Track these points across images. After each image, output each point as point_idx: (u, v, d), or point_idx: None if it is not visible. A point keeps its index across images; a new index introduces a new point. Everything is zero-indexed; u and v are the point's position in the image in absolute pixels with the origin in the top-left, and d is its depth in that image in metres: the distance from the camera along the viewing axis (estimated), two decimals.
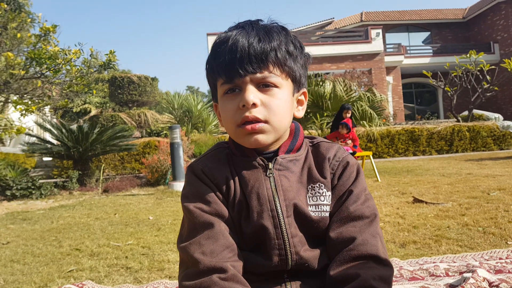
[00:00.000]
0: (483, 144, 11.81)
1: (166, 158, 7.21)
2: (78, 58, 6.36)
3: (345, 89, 8.95)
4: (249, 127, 0.87)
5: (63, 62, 6.30)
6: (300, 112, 0.98)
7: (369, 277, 0.79)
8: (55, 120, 10.66)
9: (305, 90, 0.98)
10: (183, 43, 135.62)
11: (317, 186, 0.93)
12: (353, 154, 6.38)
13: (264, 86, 0.87)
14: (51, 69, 6.37)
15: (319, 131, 8.99)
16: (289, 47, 0.89)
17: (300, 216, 0.90)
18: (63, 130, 7.32)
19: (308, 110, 8.80)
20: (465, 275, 1.73)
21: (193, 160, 7.57)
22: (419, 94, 25.12)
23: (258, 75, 0.86)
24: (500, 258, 2.03)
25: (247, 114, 0.86)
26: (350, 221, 0.89)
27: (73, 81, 6.61)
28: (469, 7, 25.54)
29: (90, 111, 18.93)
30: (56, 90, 7.08)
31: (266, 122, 0.87)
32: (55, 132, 7.35)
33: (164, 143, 8.02)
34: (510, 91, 21.40)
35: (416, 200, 3.85)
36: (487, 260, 2.01)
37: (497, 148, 11.89)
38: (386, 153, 11.48)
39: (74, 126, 7.64)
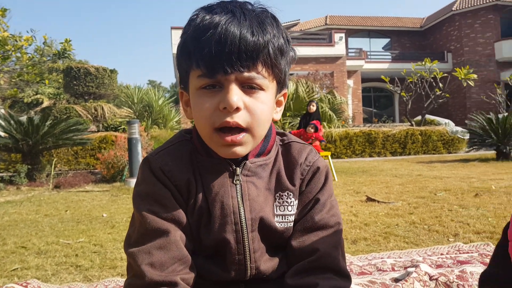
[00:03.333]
0: (433, 147, 12.42)
1: (123, 154, 7.00)
2: (30, 45, 6.04)
3: (307, 90, 9.12)
4: (229, 138, 0.77)
5: (13, 48, 5.97)
6: (278, 115, 0.88)
7: (326, 287, 0.78)
8: (2, 110, 10.07)
9: (286, 91, 0.88)
10: (146, 35, 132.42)
11: (285, 195, 0.87)
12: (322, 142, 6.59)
13: (249, 87, 0.77)
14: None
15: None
16: (280, 42, 0.78)
17: (265, 229, 0.84)
18: (11, 122, 6.92)
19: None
20: (409, 269, 1.82)
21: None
22: (377, 98, 26.02)
23: (246, 74, 0.75)
24: (441, 254, 2.15)
25: (228, 119, 0.75)
26: (314, 231, 0.85)
27: (24, 69, 6.28)
28: (426, 17, 26.75)
29: (42, 102, 18.04)
30: (4, 79, 6.69)
31: (247, 130, 0.78)
32: (2, 123, 6.94)
33: (121, 138, 7.76)
34: (460, 99, 22.61)
35: (369, 199, 3.99)
36: (430, 256, 2.12)
37: (446, 152, 12.53)
38: (344, 153, 11.80)
39: (24, 118, 7.25)
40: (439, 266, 1.94)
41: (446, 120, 15.01)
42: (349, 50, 22.49)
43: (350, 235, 2.63)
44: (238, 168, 0.83)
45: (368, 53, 23.98)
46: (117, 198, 4.94)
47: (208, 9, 0.77)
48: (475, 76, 13.73)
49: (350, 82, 21.71)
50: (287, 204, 0.86)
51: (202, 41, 0.74)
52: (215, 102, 0.76)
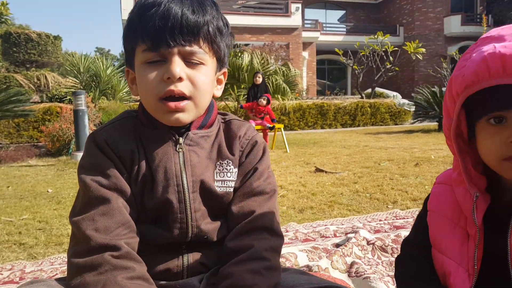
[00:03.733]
0: (381, 119, 12.95)
1: (69, 126, 6.68)
2: None
3: (262, 62, 9.08)
4: (172, 104, 0.83)
5: None
6: (219, 91, 0.97)
7: (261, 248, 0.86)
8: None
9: (225, 70, 0.97)
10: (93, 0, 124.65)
11: (225, 163, 0.94)
12: (271, 128, 6.63)
13: (191, 61, 0.84)
14: None
15: (235, 103, 9.06)
16: (219, 23, 0.87)
17: (206, 191, 0.91)
18: None
19: (225, 81, 8.80)
20: (349, 235, 1.95)
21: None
22: (331, 70, 26.47)
23: (188, 48, 0.82)
24: (380, 220, 2.31)
25: (172, 87, 0.82)
26: (252, 196, 0.93)
27: None
28: None
29: None
30: None
31: (190, 98, 0.85)
32: None
33: (67, 110, 7.39)
34: (408, 72, 23.53)
35: (317, 170, 4.14)
36: (370, 222, 2.27)
37: (393, 123, 13.13)
38: (297, 125, 12.04)
39: None
40: (377, 232, 2.08)
41: (394, 93, 15.64)
42: (305, 22, 22.51)
43: (297, 205, 2.74)
44: (181, 138, 0.91)
45: (324, 25, 24.13)
46: (63, 173, 4.77)
47: None
48: (423, 50, 14.28)
49: (305, 54, 21.87)
50: (227, 171, 0.94)
51: (146, 17, 0.81)
52: (159, 74, 0.83)
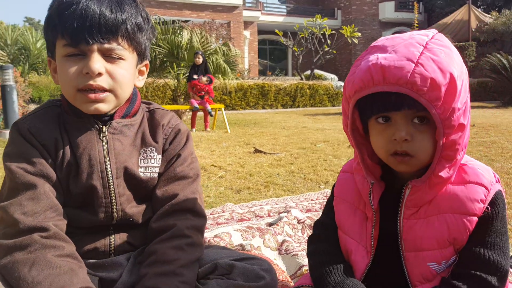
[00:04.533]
0: (320, 100, 13.39)
1: None
2: None
3: (202, 40, 8.89)
4: (92, 96, 0.86)
5: None
6: (141, 82, 1.01)
7: (183, 226, 0.93)
8: None
9: (147, 62, 1.01)
10: None
11: (149, 150, 0.99)
12: (211, 114, 6.63)
13: (110, 57, 0.87)
14: None
15: (175, 81, 8.87)
16: (138, 20, 0.90)
17: (130, 177, 0.96)
18: None
19: (165, 59, 8.54)
20: (282, 215, 2.04)
21: (28, 108, 6.67)
22: (272, 51, 26.67)
23: (106, 45, 0.85)
24: (312, 200, 2.44)
25: (91, 82, 0.85)
26: (176, 180, 1.00)
27: None
28: None
29: None
30: None
31: (110, 91, 0.89)
32: None
33: None
34: (346, 55, 24.39)
35: (256, 151, 4.24)
36: (302, 202, 2.40)
37: (331, 105, 13.64)
38: (239, 105, 12.09)
39: None
40: (308, 211, 2.21)
41: (332, 75, 16.16)
42: (246, 0, 22.35)
43: (235, 185, 2.81)
44: (104, 127, 0.95)
45: (265, 4, 24.13)
46: None
47: None
48: (359, 34, 14.83)
49: (246, 33, 21.79)
50: (150, 158, 0.99)
51: (65, 16, 0.83)
52: (79, 68, 0.85)
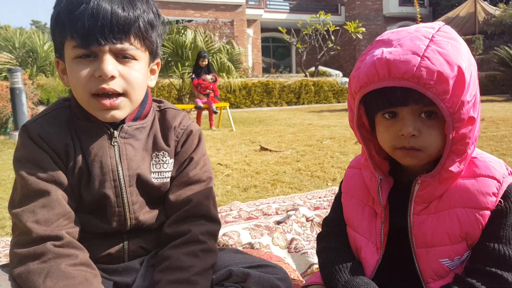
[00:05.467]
0: (325, 97, 13.33)
1: (6, 104, 6.28)
2: None
3: (206, 40, 8.90)
4: (107, 102, 0.83)
5: None
6: (153, 82, 0.97)
7: (198, 232, 0.92)
8: None
9: (159, 60, 0.97)
10: None
11: (161, 154, 0.96)
12: (216, 112, 6.64)
13: (122, 57, 0.84)
14: None
15: (180, 81, 8.89)
16: (150, 16, 0.86)
17: (143, 184, 0.94)
18: None
19: (169, 59, 8.56)
20: (290, 213, 2.04)
21: (37, 110, 6.72)
22: (275, 48, 26.59)
23: (119, 45, 0.82)
24: (320, 197, 2.44)
25: (104, 85, 0.82)
26: (189, 185, 0.97)
27: None
28: None
29: None
30: None
31: (124, 94, 0.85)
32: None
33: (3, 87, 6.90)
34: (350, 51, 24.26)
35: (262, 149, 4.23)
36: (310, 199, 2.39)
37: (336, 102, 13.57)
38: (244, 103, 12.08)
39: None
40: (316, 208, 2.20)
41: (337, 71, 16.10)
42: None
43: (242, 184, 2.81)
44: (115, 131, 0.91)
45: (267, 2, 24.05)
46: (2, 153, 4.54)
47: None
48: (363, 29, 14.73)
49: (250, 31, 21.75)
50: (163, 162, 0.97)
51: (75, 15, 0.79)
52: (91, 70, 0.82)
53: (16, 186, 0.87)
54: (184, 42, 8.37)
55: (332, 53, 15.39)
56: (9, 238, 1.84)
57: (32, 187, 0.83)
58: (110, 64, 0.82)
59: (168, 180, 0.97)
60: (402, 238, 0.82)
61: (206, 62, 6.79)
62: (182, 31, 8.82)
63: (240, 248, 1.58)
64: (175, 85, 9.11)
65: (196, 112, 6.97)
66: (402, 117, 0.74)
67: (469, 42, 16.00)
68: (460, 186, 0.77)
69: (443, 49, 0.69)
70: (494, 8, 18.57)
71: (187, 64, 8.49)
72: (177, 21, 9.72)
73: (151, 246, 0.97)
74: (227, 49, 9.32)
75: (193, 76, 6.87)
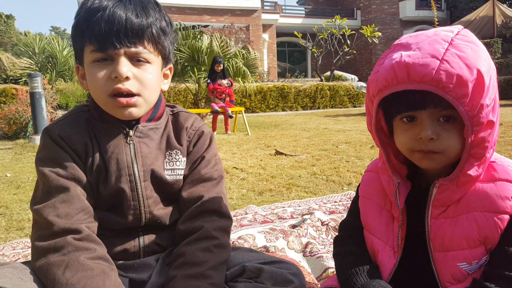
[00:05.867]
0: (340, 102, 13.27)
1: (25, 109, 6.45)
2: None
3: (221, 45, 8.97)
4: (123, 100, 0.89)
5: None
6: (166, 85, 1.03)
7: (211, 228, 0.95)
8: None
9: (171, 65, 1.03)
10: None
11: (174, 153, 1.01)
12: (231, 116, 6.69)
13: (137, 60, 0.90)
14: None
15: (196, 85, 8.98)
16: (162, 24, 0.93)
17: (157, 180, 0.98)
18: None
19: (186, 64, 8.67)
20: (305, 216, 2.04)
21: (56, 115, 6.87)
22: (291, 53, 26.61)
23: (133, 49, 0.88)
24: (335, 201, 2.42)
25: (119, 85, 0.88)
26: (201, 182, 1.02)
27: None
28: None
29: None
30: None
31: (138, 95, 0.91)
32: None
33: (23, 92, 7.10)
34: (366, 55, 24.11)
35: (277, 153, 4.23)
36: (325, 204, 2.38)
37: (351, 106, 13.50)
38: (259, 108, 12.12)
39: None
40: (332, 213, 2.19)
41: (352, 76, 16.00)
42: (265, 3, 22.39)
43: (257, 187, 2.82)
44: (131, 131, 0.97)
45: (283, 7, 24.12)
46: (22, 157, 4.62)
47: None
48: (379, 34, 14.63)
49: (265, 36, 21.84)
50: (176, 160, 1.02)
51: (93, 21, 0.86)
52: (107, 72, 0.88)
53: (38, 185, 0.92)
54: (200, 47, 8.46)
55: (347, 57, 15.33)
56: (28, 239, 1.90)
57: (52, 184, 0.88)
58: (125, 66, 0.88)
59: (181, 177, 1.02)
60: (420, 242, 0.82)
61: (222, 67, 6.85)
62: (198, 36, 8.92)
63: None
64: (191, 90, 9.20)
65: (212, 116, 7.02)
66: (421, 120, 0.74)
67: (487, 46, 15.70)
68: (479, 190, 0.77)
69: (463, 52, 0.69)
70: None
71: (203, 69, 8.57)
72: (193, 27, 9.83)
73: (166, 243, 1.01)
74: (243, 54, 9.38)
75: (209, 81, 6.94)
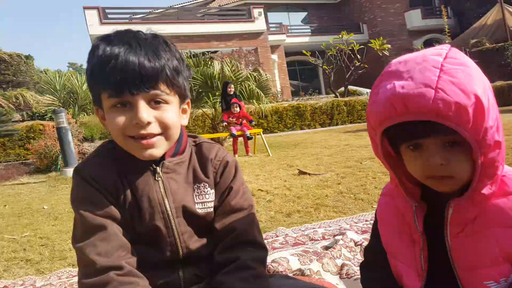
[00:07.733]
0: (358, 116, 13.19)
1: (54, 143, 6.69)
2: None
3: (233, 69, 9.13)
4: (144, 142, 0.90)
5: None
6: (185, 120, 1.03)
7: (247, 258, 0.96)
8: None
9: (188, 100, 1.04)
10: (57, 16, 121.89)
11: (202, 186, 1.03)
12: (250, 138, 6.75)
13: (155, 102, 0.91)
14: None
15: (213, 110, 9.12)
16: (174, 63, 0.93)
17: (189, 214, 1.01)
18: None
19: (200, 90, 8.85)
20: (337, 237, 2.01)
21: (83, 147, 7.03)
22: (302, 71, 26.73)
23: (151, 92, 0.89)
24: (366, 220, 2.39)
25: (142, 132, 0.89)
26: (232, 213, 1.03)
27: None
28: None
29: None
30: None
31: (160, 134, 0.93)
32: None
33: (50, 127, 7.40)
34: (379, 67, 23.72)
35: (301, 172, 4.22)
36: (356, 223, 2.35)
37: None
38: (277, 128, 12.17)
39: None
40: (364, 232, 2.15)
41: (367, 90, 15.96)
42: (270, 25, 22.70)
43: (285, 209, 2.82)
44: (158, 167, 0.99)
45: (289, 27, 24.41)
46: (55, 189, 4.78)
47: (107, 40, 0.90)
48: (389, 46, 14.65)
49: (274, 57, 22.07)
50: (205, 193, 1.04)
51: (106, 71, 0.86)
52: (128, 118, 0.90)
53: (76, 223, 0.95)
54: (212, 73, 8.63)
55: (360, 71, 15.32)
56: (71, 269, 1.98)
57: (90, 223, 0.91)
58: (144, 111, 0.89)
59: (212, 209, 1.03)
60: (443, 262, 0.81)
61: (233, 89, 6.98)
62: (209, 63, 9.10)
63: (291, 275, 1.59)
64: (208, 115, 9.34)
65: (232, 140, 7.09)
66: (427, 147, 0.74)
67: (500, 50, 15.51)
68: (493, 206, 0.76)
69: (455, 78, 0.68)
70: None
71: (217, 93, 8.71)
72: (203, 53, 10.05)
73: (205, 274, 1.02)
74: (255, 76, 9.49)
75: (223, 107, 7.05)
